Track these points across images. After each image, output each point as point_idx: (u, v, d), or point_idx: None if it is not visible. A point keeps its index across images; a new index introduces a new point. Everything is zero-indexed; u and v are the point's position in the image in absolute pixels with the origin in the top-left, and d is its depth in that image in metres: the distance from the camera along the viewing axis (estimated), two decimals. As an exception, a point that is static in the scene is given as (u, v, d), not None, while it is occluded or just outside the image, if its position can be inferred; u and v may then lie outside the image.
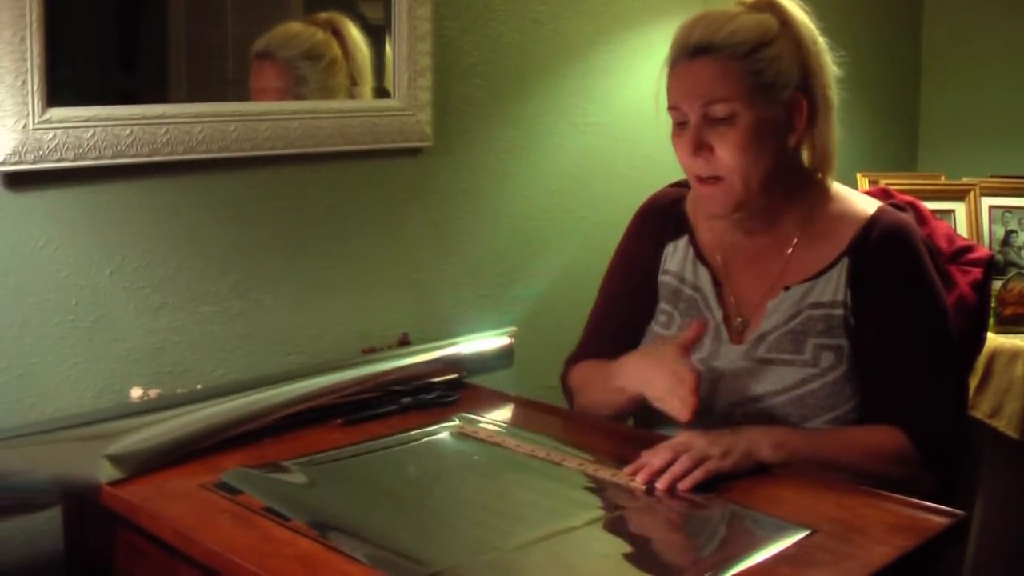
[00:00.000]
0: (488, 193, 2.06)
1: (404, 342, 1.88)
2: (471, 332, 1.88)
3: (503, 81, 2.06)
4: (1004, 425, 2.27)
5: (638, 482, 1.37)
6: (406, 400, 1.69)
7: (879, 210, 1.59)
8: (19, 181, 1.49)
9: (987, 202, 2.57)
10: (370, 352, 1.79)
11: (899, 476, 1.44)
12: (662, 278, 1.68)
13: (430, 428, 1.60)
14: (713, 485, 1.35)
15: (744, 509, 1.31)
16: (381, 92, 1.87)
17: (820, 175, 1.60)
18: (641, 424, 1.68)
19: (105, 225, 1.58)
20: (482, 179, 2.05)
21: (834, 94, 1.57)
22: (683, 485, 1.35)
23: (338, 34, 1.81)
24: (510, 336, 1.90)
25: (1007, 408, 2.27)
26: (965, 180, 2.62)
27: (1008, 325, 2.36)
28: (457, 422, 1.63)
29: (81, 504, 1.44)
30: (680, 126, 1.54)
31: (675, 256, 1.68)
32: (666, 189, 1.77)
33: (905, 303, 1.52)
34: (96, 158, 1.53)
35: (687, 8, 1.67)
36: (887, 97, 3.04)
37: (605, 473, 1.42)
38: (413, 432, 1.59)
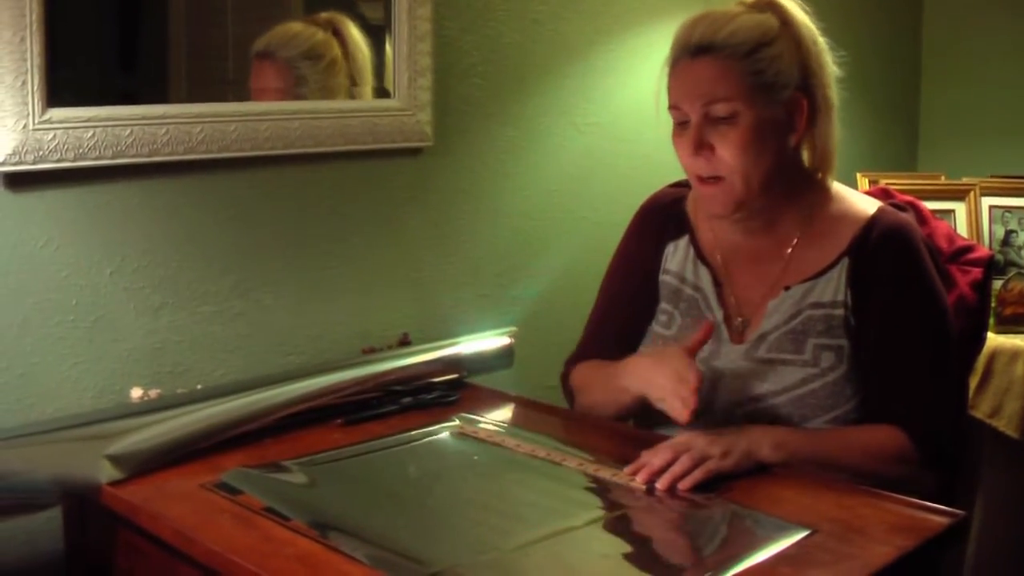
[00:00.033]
0: (488, 193, 2.06)
1: (404, 342, 1.88)
2: (471, 332, 1.88)
3: (503, 81, 2.06)
4: (1004, 425, 2.27)
5: (638, 482, 1.37)
6: (406, 400, 1.69)
7: (879, 210, 1.59)
8: (19, 181, 1.49)
9: (987, 202, 2.57)
10: (370, 352, 1.79)
11: (899, 476, 1.44)
12: (663, 278, 1.68)
13: (430, 428, 1.60)
14: (713, 485, 1.35)
15: (744, 509, 1.31)
16: (381, 92, 1.87)
17: (820, 175, 1.60)
18: (641, 424, 1.68)
19: (105, 225, 1.58)
20: (482, 179, 2.05)
21: (834, 94, 1.57)
22: (683, 485, 1.35)
23: (338, 34, 1.81)
24: (510, 336, 1.90)
25: (1007, 408, 2.27)
26: (965, 180, 2.62)
27: (1008, 325, 2.36)
28: (457, 422, 1.63)
29: (81, 504, 1.44)
30: (681, 126, 1.54)
31: (675, 256, 1.68)
32: (666, 189, 1.77)
33: (905, 303, 1.52)
34: (96, 158, 1.53)
35: (687, 8, 1.67)
36: (887, 97, 3.04)
37: (605, 473, 1.42)
38: (413, 432, 1.59)
